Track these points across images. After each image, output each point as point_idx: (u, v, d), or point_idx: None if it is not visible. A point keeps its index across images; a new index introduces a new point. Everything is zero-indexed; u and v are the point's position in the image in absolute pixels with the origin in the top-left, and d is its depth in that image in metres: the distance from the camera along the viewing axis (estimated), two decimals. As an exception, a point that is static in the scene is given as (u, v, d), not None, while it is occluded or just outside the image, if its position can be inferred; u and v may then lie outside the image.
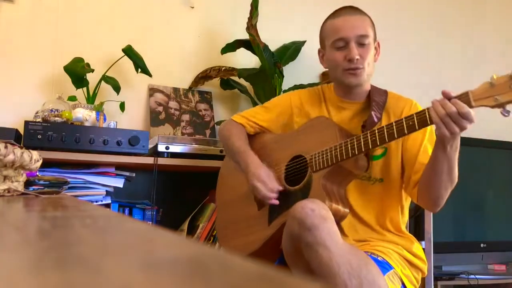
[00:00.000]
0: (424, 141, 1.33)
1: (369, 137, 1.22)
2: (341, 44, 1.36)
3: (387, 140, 1.20)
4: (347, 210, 1.27)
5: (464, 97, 1.09)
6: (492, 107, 1.06)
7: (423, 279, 1.41)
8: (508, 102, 1.04)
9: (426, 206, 1.37)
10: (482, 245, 2.38)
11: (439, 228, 2.06)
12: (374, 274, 1.10)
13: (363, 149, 1.23)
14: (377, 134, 1.21)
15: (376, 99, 1.39)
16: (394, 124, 1.18)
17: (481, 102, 1.07)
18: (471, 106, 1.08)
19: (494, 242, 2.43)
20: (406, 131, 1.16)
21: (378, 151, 1.37)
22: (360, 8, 1.42)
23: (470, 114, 1.08)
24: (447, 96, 1.10)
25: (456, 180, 1.24)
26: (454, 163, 1.20)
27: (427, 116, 1.13)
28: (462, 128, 1.10)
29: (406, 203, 1.42)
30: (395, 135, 1.18)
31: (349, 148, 1.25)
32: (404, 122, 1.16)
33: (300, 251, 1.13)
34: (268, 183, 1.37)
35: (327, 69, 1.50)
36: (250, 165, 1.43)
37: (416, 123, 1.15)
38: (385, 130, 1.19)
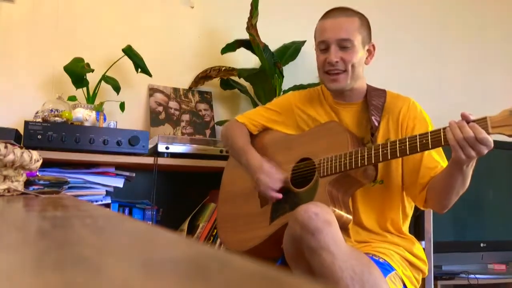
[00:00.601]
0: None
1: (380, 150, 1.21)
2: (323, 47, 1.38)
3: (398, 155, 1.19)
4: (350, 217, 1.27)
5: (482, 122, 1.07)
6: (509, 135, 1.05)
7: (423, 279, 1.41)
8: None
9: (434, 209, 1.37)
10: (482, 244, 2.38)
11: (439, 228, 2.06)
12: (376, 278, 1.10)
13: (373, 161, 1.22)
14: (389, 148, 1.20)
15: (374, 102, 1.39)
16: (407, 140, 1.17)
17: (498, 130, 1.06)
18: (488, 133, 1.06)
19: (494, 241, 2.43)
20: (418, 149, 1.15)
21: None
22: (359, 8, 1.42)
23: (488, 140, 1.07)
24: (465, 119, 1.09)
25: (467, 185, 1.23)
26: (468, 176, 1.20)
27: (442, 136, 1.11)
28: (479, 153, 1.08)
29: (409, 204, 1.41)
30: (407, 152, 1.17)
31: (359, 158, 1.24)
32: (417, 140, 1.15)
33: (302, 253, 1.13)
34: (272, 176, 1.38)
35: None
36: (251, 161, 1.44)
37: (430, 143, 1.13)
38: (397, 145, 1.18)
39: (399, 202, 1.39)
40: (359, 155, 1.24)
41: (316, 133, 1.42)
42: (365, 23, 1.40)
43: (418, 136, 1.15)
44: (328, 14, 1.41)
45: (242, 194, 1.54)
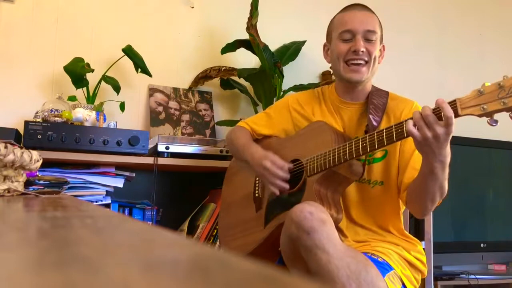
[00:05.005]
0: None
1: (360, 143, 1.21)
2: (348, 36, 1.36)
3: (376, 147, 1.18)
4: (340, 216, 1.26)
5: (452, 105, 1.06)
6: (479, 116, 1.03)
7: (423, 280, 1.41)
8: (495, 112, 1.01)
9: (413, 213, 1.36)
10: (482, 245, 2.38)
11: (439, 228, 2.06)
12: (373, 276, 1.10)
13: (354, 155, 1.22)
14: (368, 140, 1.20)
15: (374, 101, 1.39)
16: (384, 131, 1.17)
17: (468, 111, 1.04)
18: (458, 115, 1.05)
19: (494, 242, 2.43)
20: (395, 138, 1.15)
21: (379, 153, 1.36)
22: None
23: (450, 119, 1.04)
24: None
25: (445, 193, 1.22)
26: (443, 181, 1.18)
27: None
28: (436, 136, 1.06)
29: (403, 206, 1.42)
30: (385, 142, 1.17)
31: (341, 153, 1.24)
32: (393, 129, 1.15)
33: (299, 253, 1.13)
34: (276, 161, 1.35)
35: (328, 69, 1.50)
36: (255, 154, 1.42)
37: (404, 131, 1.12)
38: (375, 136, 1.18)
39: (399, 204, 1.39)
40: (341, 150, 1.24)
41: (304, 134, 1.43)
42: (380, 23, 1.41)
43: (394, 126, 1.15)
44: (349, 8, 1.41)
45: (239, 202, 1.55)
